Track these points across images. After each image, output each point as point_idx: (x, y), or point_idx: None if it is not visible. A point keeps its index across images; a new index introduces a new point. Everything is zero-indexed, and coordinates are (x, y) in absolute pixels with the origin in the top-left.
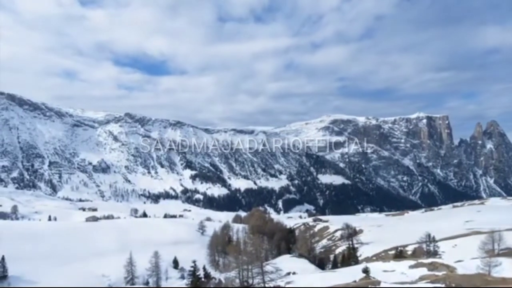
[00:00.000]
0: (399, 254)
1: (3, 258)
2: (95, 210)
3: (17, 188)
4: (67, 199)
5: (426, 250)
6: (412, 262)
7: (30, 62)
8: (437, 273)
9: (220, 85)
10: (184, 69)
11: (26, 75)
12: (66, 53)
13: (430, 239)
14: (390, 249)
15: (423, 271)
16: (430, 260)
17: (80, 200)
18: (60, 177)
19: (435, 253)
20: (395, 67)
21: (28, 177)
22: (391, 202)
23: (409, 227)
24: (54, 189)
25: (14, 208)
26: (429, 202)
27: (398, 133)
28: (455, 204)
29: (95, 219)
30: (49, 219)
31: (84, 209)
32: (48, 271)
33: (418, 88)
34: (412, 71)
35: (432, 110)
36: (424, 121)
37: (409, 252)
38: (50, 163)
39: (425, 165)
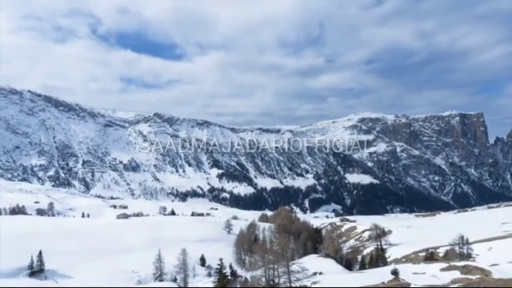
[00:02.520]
0: (430, 256)
1: (40, 253)
2: (125, 207)
3: (53, 185)
4: (99, 196)
5: (459, 252)
6: (444, 265)
7: (10, 49)
8: (470, 277)
9: (223, 68)
10: (175, 43)
11: (12, 65)
12: (42, 33)
13: (463, 241)
14: (421, 251)
15: (456, 274)
16: (463, 263)
17: (112, 198)
18: (92, 175)
19: (468, 256)
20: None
21: (63, 175)
22: (422, 203)
23: (440, 228)
24: (87, 187)
25: (50, 205)
26: (462, 203)
27: (429, 131)
28: (491, 205)
29: (125, 216)
30: (83, 215)
31: (115, 207)
32: (81, 265)
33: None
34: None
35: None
36: (457, 118)
37: (441, 254)
38: (84, 162)
39: (458, 164)
